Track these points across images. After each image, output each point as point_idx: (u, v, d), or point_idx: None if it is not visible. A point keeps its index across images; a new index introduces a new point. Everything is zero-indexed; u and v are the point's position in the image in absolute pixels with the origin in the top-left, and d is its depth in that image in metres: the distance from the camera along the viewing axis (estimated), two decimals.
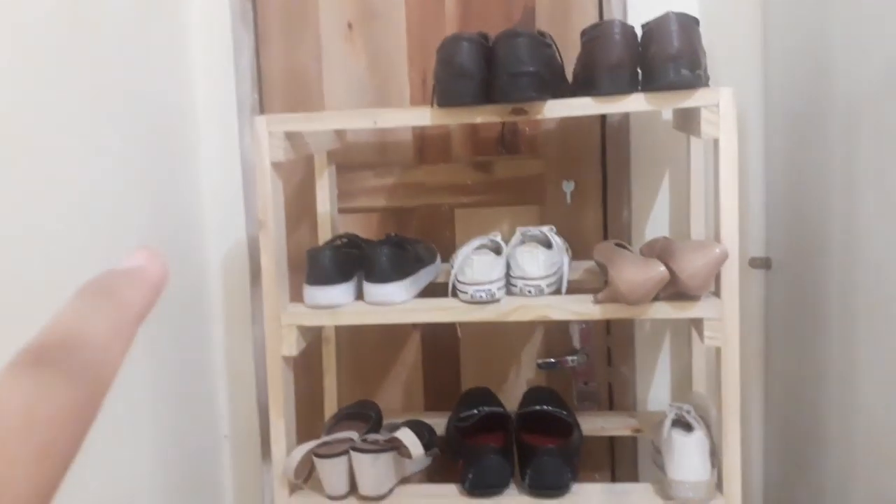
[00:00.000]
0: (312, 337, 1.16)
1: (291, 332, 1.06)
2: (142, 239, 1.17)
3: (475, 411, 1.17)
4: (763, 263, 1.34)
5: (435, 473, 1.21)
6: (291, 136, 1.08)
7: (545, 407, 1.16)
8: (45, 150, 0.94)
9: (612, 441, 1.39)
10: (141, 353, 1.14)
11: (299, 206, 1.41)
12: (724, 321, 1.00)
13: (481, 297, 1.05)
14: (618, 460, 1.39)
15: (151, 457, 1.16)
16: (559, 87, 1.07)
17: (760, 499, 1.35)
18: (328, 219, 1.33)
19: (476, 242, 1.12)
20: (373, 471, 1.02)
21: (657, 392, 1.39)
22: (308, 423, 1.29)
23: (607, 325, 1.40)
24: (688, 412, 1.06)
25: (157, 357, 1.19)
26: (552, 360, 1.38)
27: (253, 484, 1.43)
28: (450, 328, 1.42)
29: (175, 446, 1.24)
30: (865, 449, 1.00)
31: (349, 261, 1.11)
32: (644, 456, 1.38)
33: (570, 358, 1.37)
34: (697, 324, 1.05)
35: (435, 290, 1.17)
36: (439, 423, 1.25)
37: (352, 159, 1.41)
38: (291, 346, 1.06)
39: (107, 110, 1.09)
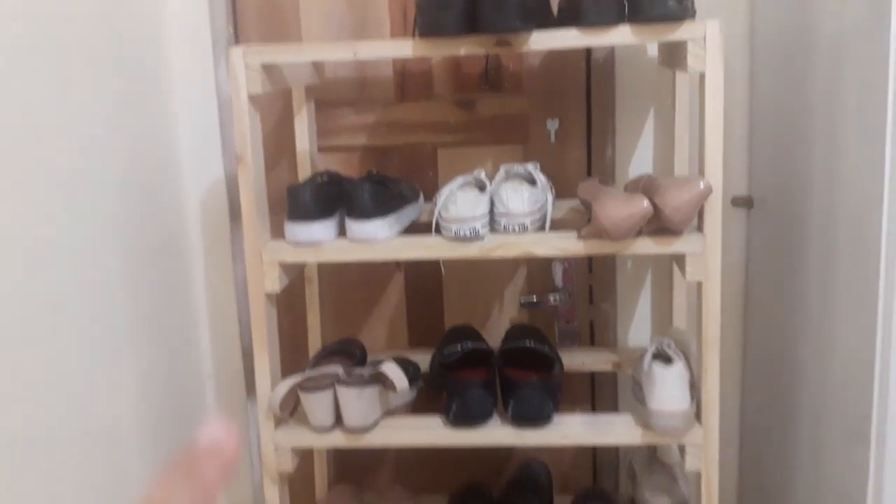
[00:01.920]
0: (294, 276, 1.15)
1: (273, 268, 1.05)
2: (119, 179, 1.14)
3: (459, 347, 1.18)
4: (745, 202, 1.35)
5: (419, 408, 1.22)
6: (268, 69, 1.05)
7: (528, 342, 1.17)
8: (16, 92, 0.90)
9: (592, 377, 1.41)
10: (121, 294, 1.13)
11: (277, 145, 1.38)
12: (706, 256, 1.01)
13: (465, 234, 1.04)
14: (598, 395, 1.42)
15: (134, 396, 1.16)
16: (544, 19, 1.04)
17: (737, 429, 1.39)
18: (307, 157, 1.30)
19: (460, 180, 1.11)
20: (358, 404, 1.03)
21: (637, 330, 1.41)
22: (292, 363, 1.29)
23: (589, 264, 1.40)
24: (668, 346, 1.08)
25: (138, 298, 1.18)
26: (534, 298, 1.39)
27: (237, 422, 1.44)
28: (433, 267, 1.41)
29: (158, 386, 1.23)
30: (838, 381, 1.03)
31: (331, 197, 1.09)
32: (624, 391, 1.41)
33: (552, 296, 1.38)
34: (679, 259, 1.06)
35: (418, 230, 1.16)
36: (423, 359, 1.26)
37: (331, 96, 1.37)
38: (274, 282, 1.05)
39: (77, 48, 1.04)
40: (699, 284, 1.03)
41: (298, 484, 1.34)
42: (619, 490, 1.43)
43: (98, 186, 1.08)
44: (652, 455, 1.31)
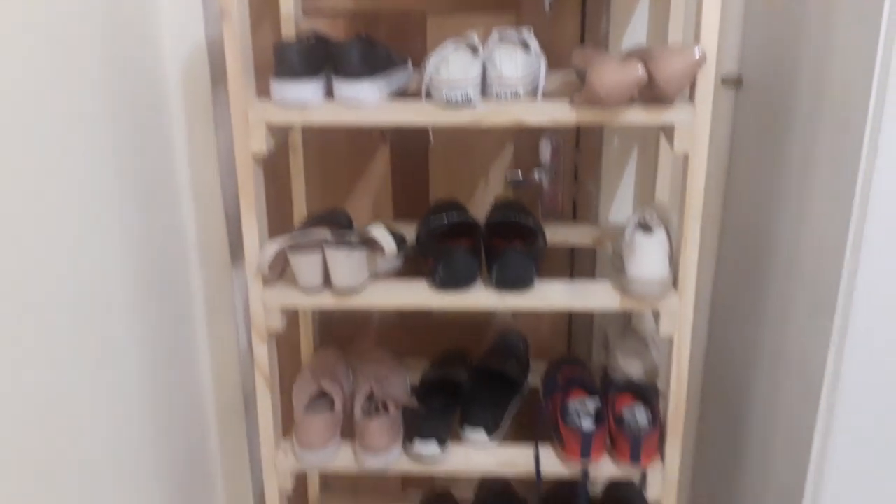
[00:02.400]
0: (280, 140, 1.13)
1: (260, 128, 1.03)
2: (97, 43, 1.08)
3: (445, 218, 1.19)
4: (734, 83, 1.34)
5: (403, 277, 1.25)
6: None
7: (513, 215, 1.19)
8: None
9: (572, 252, 1.45)
10: (104, 162, 1.10)
11: (261, 7, 1.32)
12: (695, 127, 1.02)
13: (457, 99, 1.02)
14: (577, 270, 1.46)
15: (121, 263, 1.16)
16: None
17: (709, 300, 1.46)
18: (292, 20, 1.25)
19: (452, 44, 1.08)
20: (347, 265, 1.05)
21: (619, 208, 1.43)
22: (277, 232, 1.30)
23: (577, 141, 1.40)
24: (650, 217, 1.10)
25: (120, 166, 1.15)
26: (520, 175, 1.40)
27: (222, 289, 1.46)
28: (419, 140, 1.41)
29: (143, 253, 1.23)
30: (811, 257, 1.07)
31: (318, 58, 1.05)
32: (602, 267, 1.45)
33: (537, 173, 1.39)
34: (668, 131, 1.06)
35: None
36: (408, 232, 1.27)
37: None
38: (260, 142, 1.03)
39: None
40: (685, 157, 1.04)
41: (284, 348, 1.38)
42: (593, 358, 1.50)
43: (75, 52, 1.02)
44: (626, 324, 1.37)
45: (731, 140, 1.37)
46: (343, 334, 1.53)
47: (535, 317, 1.52)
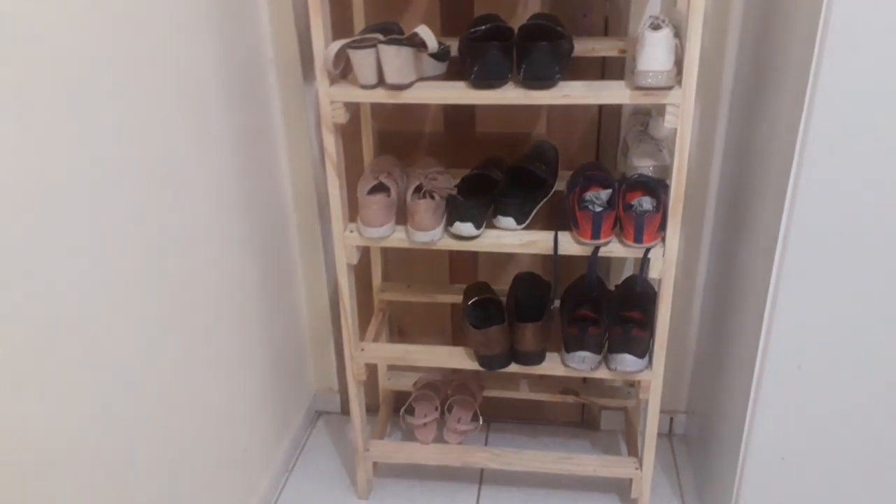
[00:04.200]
0: None
1: None
2: None
3: (483, 25, 1.36)
4: None
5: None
6: None
7: (544, 21, 1.35)
8: None
9: (603, 63, 1.60)
10: None
11: None
12: None
13: None
14: (606, 76, 1.62)
15: (212, 63, 1.40)
16: None
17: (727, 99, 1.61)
18: None
19: None
20: (397, 61, 1.26)
21: None
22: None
23: None
24: (662, 19, 1.24)
25: None
26: None
27: (298, 100, 1.70)
28: None
29: (226, 64, 1.47)
30: (794, 49, 1.20)
31: None
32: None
33: None
34: None
35: None
36: (454, 45, 1.45)
37: None
38: None
39: None
40: None
41: (349, 156, 1.63)
42: (617, 168, 1.69)
43: None
44: (643, 131, 1.54)
45: None
46: (397, 146, 1.76)
47: (567, 131, 1.70)
